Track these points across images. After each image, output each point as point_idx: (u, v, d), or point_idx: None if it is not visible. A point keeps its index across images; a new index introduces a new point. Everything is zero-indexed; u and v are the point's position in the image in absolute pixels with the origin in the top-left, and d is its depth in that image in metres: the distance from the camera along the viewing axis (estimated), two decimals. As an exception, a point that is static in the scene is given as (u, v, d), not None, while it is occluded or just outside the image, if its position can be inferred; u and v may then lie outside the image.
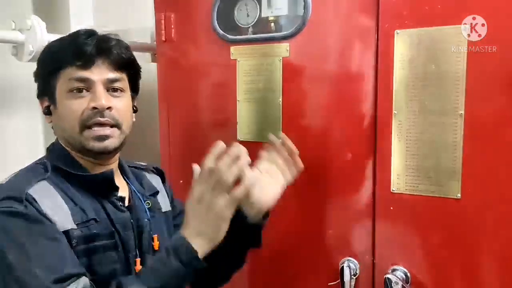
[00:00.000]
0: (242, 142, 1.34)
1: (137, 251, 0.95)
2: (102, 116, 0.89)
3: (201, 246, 0.81)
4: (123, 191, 0.99)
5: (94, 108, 0.88)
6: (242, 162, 0.82)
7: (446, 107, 1.06)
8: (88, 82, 0.89)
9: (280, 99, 1.27)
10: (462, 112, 1.04)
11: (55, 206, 0.85)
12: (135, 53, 0.97)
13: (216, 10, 1.34)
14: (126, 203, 0.97)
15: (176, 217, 1.11)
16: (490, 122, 1.02)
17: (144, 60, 1.72)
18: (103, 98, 0.89)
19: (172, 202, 1.12)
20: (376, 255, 1.18)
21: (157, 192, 1.07)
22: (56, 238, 0.82)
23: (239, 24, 1.35)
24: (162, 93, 1.48)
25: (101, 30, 0.94)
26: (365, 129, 1.16)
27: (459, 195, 1.06)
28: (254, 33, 1.33)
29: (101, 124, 0.90)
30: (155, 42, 1.49)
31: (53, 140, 0.99)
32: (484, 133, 1.03)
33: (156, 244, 0.98)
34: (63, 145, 0.95)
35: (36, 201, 0.83)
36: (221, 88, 1.38)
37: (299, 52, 1.24)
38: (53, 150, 0.97)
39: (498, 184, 1.03)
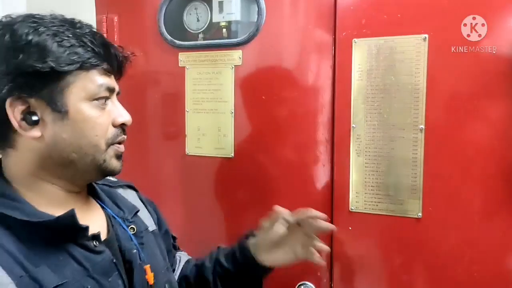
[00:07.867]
0: (191, 157, 1.26)
1: None
2: (125, 133, 0.76)
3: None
4: (98, 220, 0.78)
5: (123, 124, 0.74)
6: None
7: (406, 121, 1.00)
8: (112, 93, 0.73)
9: (233, 110, 1.18)
10: (423, 126, 0.99)
11: None
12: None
13: (163, 13, 1.24)
14: (104, 236, 0.76)
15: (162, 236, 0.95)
16: (452, 137, 0.98)
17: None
18: (127, 113, 0.76)
19: (158, 220, 0.96)
20: (334, 278, 1.10)
21: (138, 211, 0.88)
22: None
23: (189, 29, 1.25)
24: (104, 102, 1.34)
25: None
26: (322, 144, 1.09)
27: (420, 214, 1.00)
28: (204, 39, 1.24)
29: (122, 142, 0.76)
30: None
31: None
32: (446, 148, 0.98)
33: (150, 276, 0.78)
34: (31, 165, 0.69)
35: None
36: (169, 98, 1.27)
37: (253, 60, 1.16)
38: None
39: (460, 203, 0.98)
